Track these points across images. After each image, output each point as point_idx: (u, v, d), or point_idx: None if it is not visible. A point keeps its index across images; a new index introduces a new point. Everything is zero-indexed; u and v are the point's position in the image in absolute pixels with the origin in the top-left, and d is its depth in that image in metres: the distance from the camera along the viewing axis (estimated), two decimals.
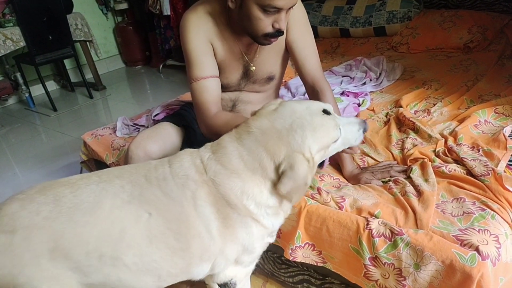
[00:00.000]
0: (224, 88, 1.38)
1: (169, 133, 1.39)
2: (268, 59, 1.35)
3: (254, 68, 1.35)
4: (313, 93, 1.32)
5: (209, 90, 1.23)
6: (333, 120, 0.91)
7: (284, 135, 0.87)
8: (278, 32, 1.16)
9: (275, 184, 0.87)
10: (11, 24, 3.24)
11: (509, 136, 1.29)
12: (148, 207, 0.86)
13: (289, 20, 1.27)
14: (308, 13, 3.09)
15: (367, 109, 1.71)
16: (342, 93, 1.85)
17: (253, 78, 1.38)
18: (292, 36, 1.30)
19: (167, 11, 3.86)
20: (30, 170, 2.56)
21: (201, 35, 1.23)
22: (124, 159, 1.36)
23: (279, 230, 1.20)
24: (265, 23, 1.13)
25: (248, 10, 1.11)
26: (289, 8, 1.13)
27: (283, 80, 2.14)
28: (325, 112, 0.91)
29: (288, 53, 1.36)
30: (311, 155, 0.87)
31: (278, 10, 1.10)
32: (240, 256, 0.96)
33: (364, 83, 2.00)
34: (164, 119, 1.52)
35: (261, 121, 0.91)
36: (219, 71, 1.32)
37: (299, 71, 1.34)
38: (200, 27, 1.23)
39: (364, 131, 0.98)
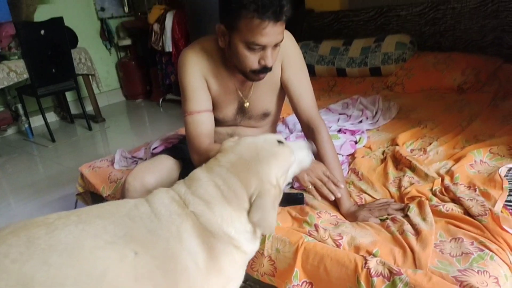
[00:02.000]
0: (221, 122, 1.40)
1: (167, 166, 1.40)
2: (263, 96, 1.38)
3: (248, 104, 1.37)
4: (308, 130, 1.34)
5: (203, 124, 1.27)
6: (288, 148, 1.02)
7: (253, 166, 0.94)
8: (265, 69, 1.18)
9: (248, 213, 0.93)
10: (16, 57, 3.32)
11: (504, 176, 1.30)
12: (134, 245, 0.84)
13: (284, 59, 1.31)
14: (305, 52, 3.21)
15: (363, 146, 1.73)
16: (339, 131, 1.88)
17: (249, 114, 1.40)
18: (287, 75, 1.34)
19: (169, 47, 3.97)
20: (25, 201, 2.53)
21: (197, 71, 1.28)
22: (121, 191, 1.36)
23: (274, 268, 1.18)
24: (252, 60, 1.16)
25: (235, 47, 1.16)
26: (275, 45, 1.15)
27: (281, 117, 2.17)
28: (280, 142, 1.02)
29: (284, 91, 1.39)
30: (277, 182, 0.96)
31: (263, 47, 1.13)
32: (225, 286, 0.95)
33: (361, 121, 2.03)
34: (163, 152, 1.53)
35: (228, 156, 0.98)
36: (214, 106, 1.35)
37: (294, 109, 1.37)
38: (196, 63, 1.28)
39: (313, 152, 1.11)
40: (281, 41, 1.16)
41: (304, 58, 3.41)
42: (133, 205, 0.92)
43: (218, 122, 1.40)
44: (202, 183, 0.94)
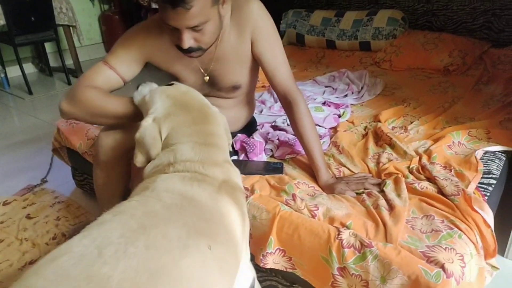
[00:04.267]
0: None
1: None
2: (230, 69, 1.32)
3: (208, 78, 1.33)
4: (286, 103, 1.31)
5: (105, 78, 1.22)
6: None
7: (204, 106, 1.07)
8: (186, 49, 1.11)
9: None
10: None
11: (480, 159, 1.33)
12: (204, 240, 0.74)
13: (253, 32, 1.25)
14: (296, 21, 3.14)
15: (346, 120, 1.73)
16: (324, 103, 1.87)
17: (217, 86, 1.35)
18: (259, 48, 1.28)
19: (155, 3, 3.82)
20: None
21: (137, 48, 1.24)
22: (94, 146, 1.34)
23: (250, 235, 1.19)
24: (172, 38, 1.12)
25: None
26: (192, 28, 1.06)
27: (267, 85, 2.15)
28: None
29: (258, 63, 1.34)
30: None
31: (174, 28, 1.07)
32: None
33: (346, 95, 2.03)
34: None
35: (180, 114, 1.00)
36: (179, 78, 1.32)
37: (270, 82, 1.32)
38: (142, 41, 1.24)
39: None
40: (198, 25, 1.05)
41: (295, 27, 3.35)
42: (169, 203, 0.78)
43: None
44: (210, 148, 0.96)
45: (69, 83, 3.74)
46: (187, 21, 1.04)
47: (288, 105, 1.30)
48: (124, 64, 1.24)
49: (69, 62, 3.96)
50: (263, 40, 1.27)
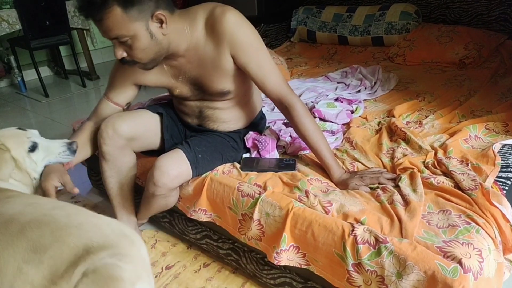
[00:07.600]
0: (184, 98, 1.39)
1: (142, 116, 1.40)
2: (213, 78, 1.29)
3: (178, 91, 1.35)
4: (282, 108, 1.29)
5: (105, 108, 1.40)
6: (23, 132, 1.16)
7: None
8: (122, 59, 1.16)
9: None
10: (8, 6, 3.20)
11: (498, 152, 1.30)
12: None
13: (231, 47, 1.21)
14: (307, 17, 3.12)
15: (360, 116, 1.71)
16: (337, 99, 1.86)
17: (207, 92, 1.34)
18: (241, 61, 1.24)
19: None
20: None
21: (121, 74, 1.36)
22: (97, 138, 1.35)
23: (262, 232, 1.19)
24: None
25: None
26: (118, 40, 1.11)
27: None
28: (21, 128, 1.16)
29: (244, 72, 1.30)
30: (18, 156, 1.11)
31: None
32: None
33: (359, 91, 2.01)
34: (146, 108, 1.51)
35: None
36: (170, 90, 1.38)
37: (263, 91, 1.29)
38: (122, 67, 1.32)
39: (71, 150, 1.18)
40: (117, 37, 1.10)
41: (306, 24, 3.32)
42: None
43: (182, 97, 1.39)
44: None
45: (83, 86, 3.79)
46: (106, 33, 1.10)
47: (285, 110, 1.28)
48: (117, 94, 1.39)
49: (83, 65, 4.02)
50: (244, 53, 1.22)
